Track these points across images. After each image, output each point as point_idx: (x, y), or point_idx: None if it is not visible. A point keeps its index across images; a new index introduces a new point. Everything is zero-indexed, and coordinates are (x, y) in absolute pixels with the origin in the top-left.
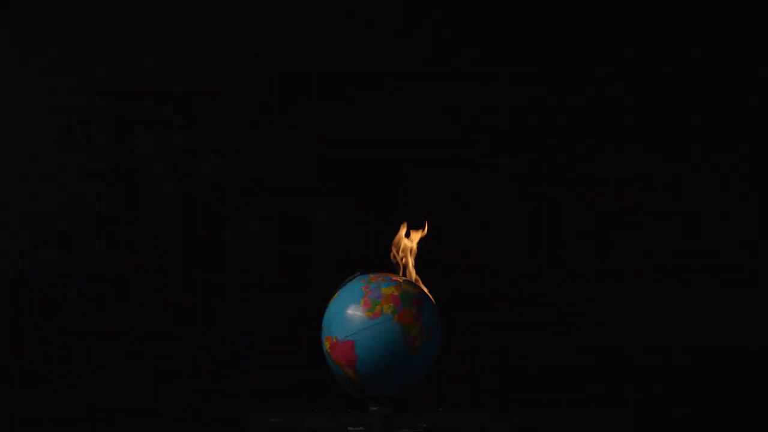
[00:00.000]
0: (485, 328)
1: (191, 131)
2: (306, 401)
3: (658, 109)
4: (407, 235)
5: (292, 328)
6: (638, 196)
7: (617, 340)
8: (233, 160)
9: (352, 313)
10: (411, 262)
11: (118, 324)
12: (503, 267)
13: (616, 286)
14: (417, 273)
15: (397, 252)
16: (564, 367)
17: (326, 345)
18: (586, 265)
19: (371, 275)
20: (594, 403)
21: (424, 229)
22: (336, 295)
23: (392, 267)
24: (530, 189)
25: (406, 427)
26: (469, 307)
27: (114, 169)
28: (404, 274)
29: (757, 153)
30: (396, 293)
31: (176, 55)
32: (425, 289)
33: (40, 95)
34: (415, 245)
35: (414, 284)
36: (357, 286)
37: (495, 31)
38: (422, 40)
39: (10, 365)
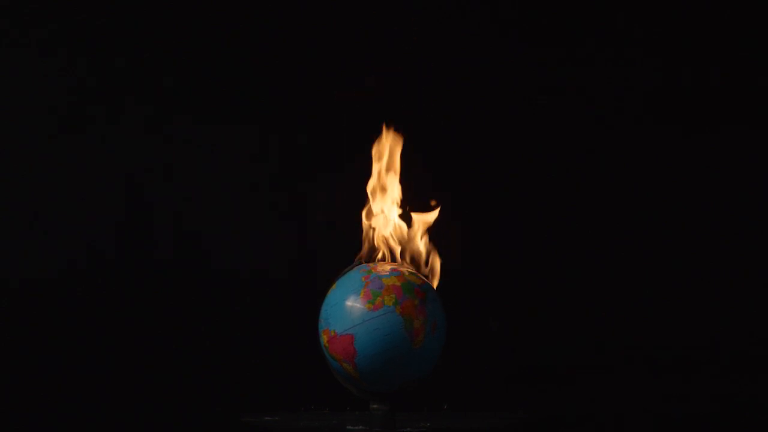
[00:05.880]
0: (488, 326)
1: (191, 130)
2: (303, 398)
3: (657, 109)
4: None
5: (288, 322)
6: (638, 196)
7: (620, 340)
8: (232, 158)
9: (352, 305)
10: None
11: (115, 323)
12: (503, 266)
13: (619, 284)
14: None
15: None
16: (567, 366)
17: (324, 338)
18: (588, 264)
19: (372, 265)
20: (598, 401)
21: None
22: (334, 285)
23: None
24: (531, 188)
25: (407, 426)
26: (472, 304)
27: (113, 170)
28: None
29: None
30: (398, 284)
31: (174, 57)
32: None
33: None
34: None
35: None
36: (357, 276)
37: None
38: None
39: (10, 365)
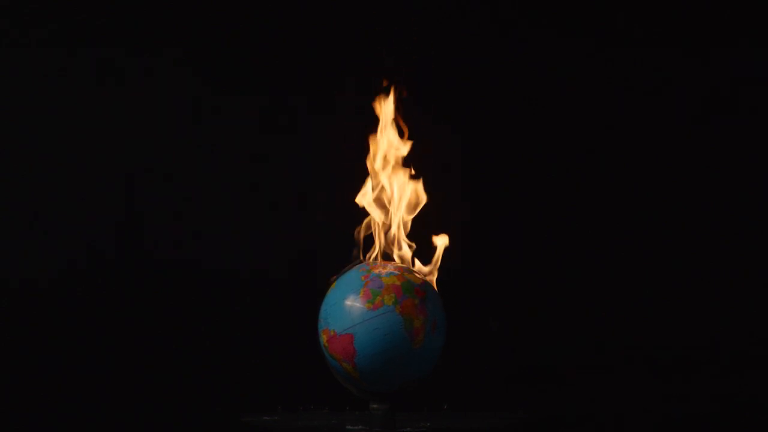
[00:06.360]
0: (488, 326)
1: (191, 130)
2: (303, 398)
3: (657, 109)
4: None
5: (288, 322)
6: (638, 196)
7: (620, 340)
8: (232, 158)
9: (351, 305)
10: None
11: (115, 323)
12: (504, 266)
13: (619, 284)
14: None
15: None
16: (567, 366)
17: (323, 338)
18: (588, 264)
19: (371, 264)
20: (598, 401)
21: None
22: (334, 285)
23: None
24: (531, 188)
25: (407, 426)
26: (472, 304)
27: (113, 170)
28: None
29: None
30: (398, 283)
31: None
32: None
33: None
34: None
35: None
36: (356, 275)
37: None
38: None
39: (10, 365)
